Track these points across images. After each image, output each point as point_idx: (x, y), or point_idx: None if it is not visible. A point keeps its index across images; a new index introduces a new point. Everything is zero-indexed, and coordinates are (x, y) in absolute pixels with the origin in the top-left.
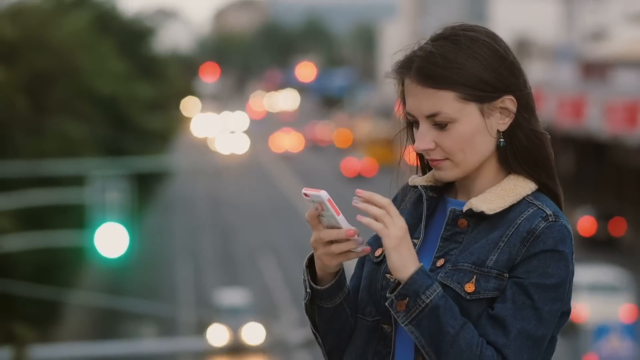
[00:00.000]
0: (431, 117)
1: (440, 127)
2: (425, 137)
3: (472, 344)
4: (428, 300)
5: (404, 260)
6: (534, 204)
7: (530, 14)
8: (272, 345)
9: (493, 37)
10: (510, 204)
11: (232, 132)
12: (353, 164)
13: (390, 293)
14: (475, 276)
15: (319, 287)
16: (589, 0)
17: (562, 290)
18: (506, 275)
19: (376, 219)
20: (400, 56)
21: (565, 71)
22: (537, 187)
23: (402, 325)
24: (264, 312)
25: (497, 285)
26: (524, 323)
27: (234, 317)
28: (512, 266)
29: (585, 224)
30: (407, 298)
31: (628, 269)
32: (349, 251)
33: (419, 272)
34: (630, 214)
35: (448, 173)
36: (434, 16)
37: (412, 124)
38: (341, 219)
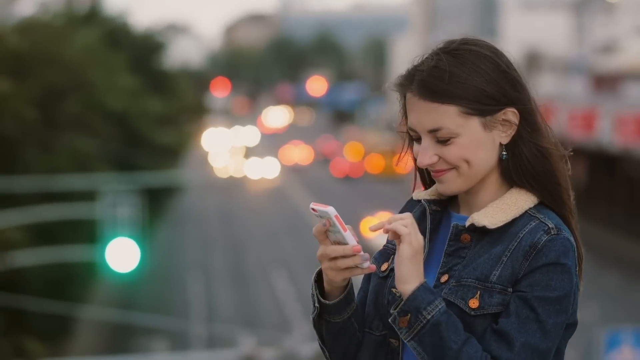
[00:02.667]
0: (433, 132)
1: (442, 142)
2: (428, 151)
3: (474, 358)
4: (429, 317)
5: (411, 274)
6: (536, 217)
7: (541, 28)
8: (283, 359)
9: (495, 51)
10: (512, 217)
11: (262, 157)
12: (342, 165)
13: (394, 310)
14: (479, 292)
15: (327, 302)
16: (600, 13)
17: (567, 302)
18: (510, 290)
19: (404, 227)
20: (402, 70)
21: (576, 84)
22: (538, 200)
23: (405, 341)
24: (275, 326)
25: (501, 300)
26: (528, 336)
27: None
28: (515, 280)
29: None
30: (409, 314)
31: None
32: (354, 267)
33: (421, 288)
34: None
35: (451, 186)
36: (445, 30)
37: (414, 138)
38: (348, 235)
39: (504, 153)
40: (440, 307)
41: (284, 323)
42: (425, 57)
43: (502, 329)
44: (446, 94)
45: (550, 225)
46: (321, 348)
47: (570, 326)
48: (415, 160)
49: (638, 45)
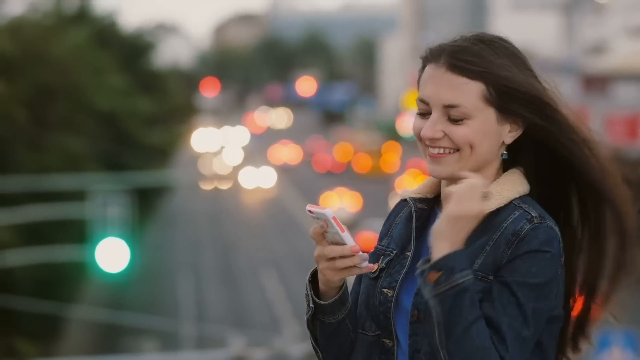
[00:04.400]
0: (448, 107)
1: (453, 121)
2: (436, 125)
3: (482, 335)
4: (460, 281)
5: (450, 233)
6: (521, 207)
7: (531, 28)
8: None
9: (521, 54)
10: (498, 206)
11: (258, 167)
12: (324, 161)
13: (424, 264)
14: None
15: (322, 302)
16: (589, 14)
17: (547, 289)
18: (491, 277)
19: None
20: (431, 44)
21: (566, 84)
22: (524, 190)
23: (426, 297)
24: (265, 326)
25: (482, 288)
26: (512, 320)
27: None
28: (497, 268)
29: None
30: (442, 271)
31: None
32: (352, 267)
33: (462, 252)
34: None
35: (446, 169)
36: (435, 30)
37: (420, 112)
38: (345, 236)
39: (505, 152)
40: (471, 277)
41: (274, 323)
42: (459, 37)
43: (486, 314)
44: (475, 72)
45: (533, 214)
46: (314, 349)
47: (556, 319)
48: (418, 136)
49: (628, 46)
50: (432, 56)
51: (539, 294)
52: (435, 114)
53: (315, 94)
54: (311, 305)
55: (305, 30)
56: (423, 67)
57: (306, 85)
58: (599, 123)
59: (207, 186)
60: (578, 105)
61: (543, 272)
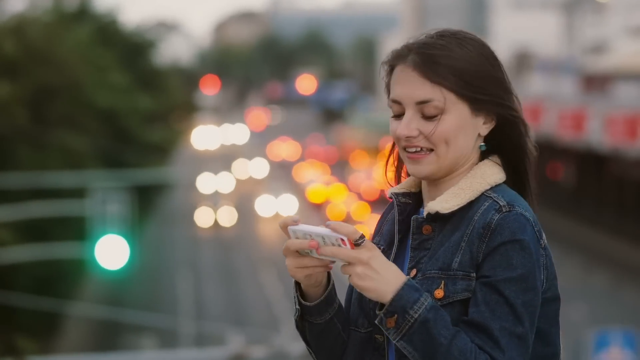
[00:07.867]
0: (421, 104)
1: (427, 118)
2: (410, 124)
3: (465, 351)
4: (417, 315)
5: (383, 280)
6: (491, 197)
7: (531, 27)
8: (272, 358)
9: (488, 46)
10: (467, 200)
11: (278, 195)
12: (316, 153)
13: (379, 310)
14: (443, 281)
15: (307, 304)
16: (590, 14)
17: (532, 278)
18: (473, 274)
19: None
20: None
21: (566, 84)
22: (495, 181)
23: (394, 342)
24: (264, 324)
25: (466, 286)
26: (502, 321)
27: None
28: (476, 265)
29: None
30: (396, 315)
31: None
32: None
33: (405, 286)
34: (630, 227)
35: (426, 168)
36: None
37: (394, 114)
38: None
39: (483, 144)
40: (426, 304)
41: (273, 321)
42: (423, 35)
43: (475, 320)
44: (445, 65)
45: (501, 203)
46: (307, 348)
47: (551, 301)
48: (393, 144)
49: (628, 45)
50: (400, 57)
51: (526, 285)
52: (409, 113)
53: (315, 92)
54: (297, 307)
55: (306, 29)
56: (390, 70)
57: (306, 84)
58: (599, 123)
59: (205, 223)
60: (578, 105)
61: (523, 263)
